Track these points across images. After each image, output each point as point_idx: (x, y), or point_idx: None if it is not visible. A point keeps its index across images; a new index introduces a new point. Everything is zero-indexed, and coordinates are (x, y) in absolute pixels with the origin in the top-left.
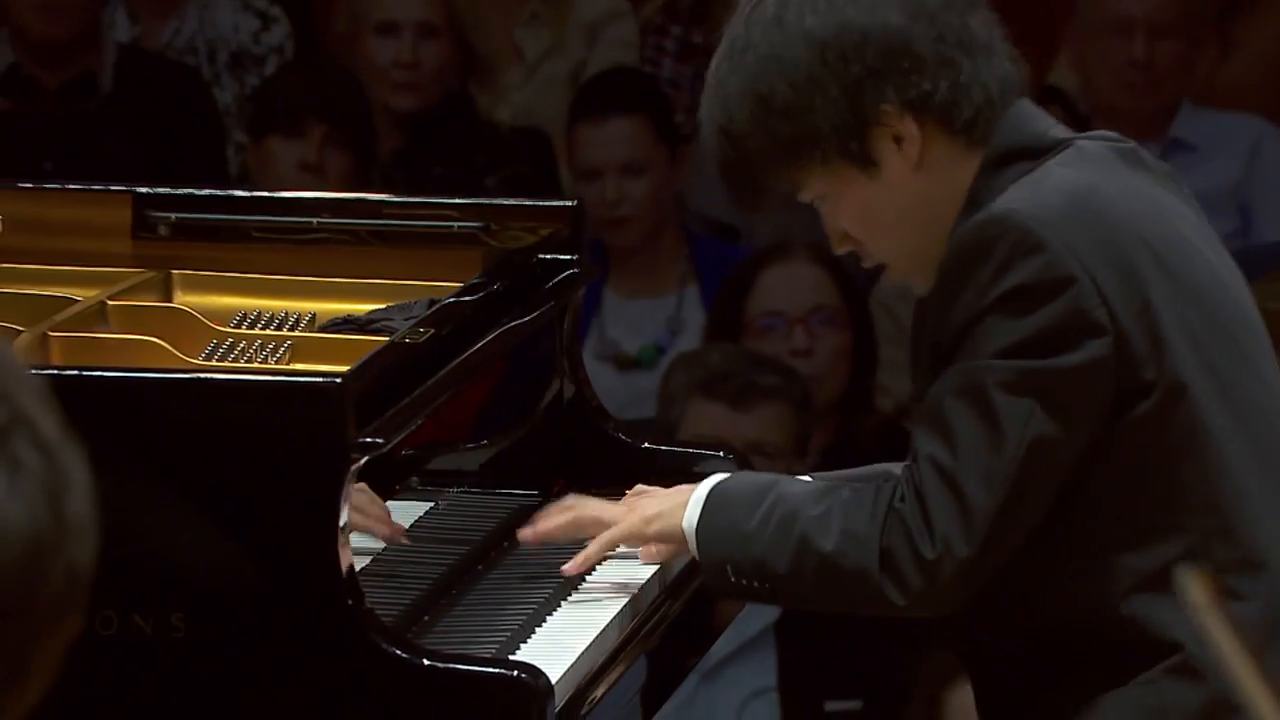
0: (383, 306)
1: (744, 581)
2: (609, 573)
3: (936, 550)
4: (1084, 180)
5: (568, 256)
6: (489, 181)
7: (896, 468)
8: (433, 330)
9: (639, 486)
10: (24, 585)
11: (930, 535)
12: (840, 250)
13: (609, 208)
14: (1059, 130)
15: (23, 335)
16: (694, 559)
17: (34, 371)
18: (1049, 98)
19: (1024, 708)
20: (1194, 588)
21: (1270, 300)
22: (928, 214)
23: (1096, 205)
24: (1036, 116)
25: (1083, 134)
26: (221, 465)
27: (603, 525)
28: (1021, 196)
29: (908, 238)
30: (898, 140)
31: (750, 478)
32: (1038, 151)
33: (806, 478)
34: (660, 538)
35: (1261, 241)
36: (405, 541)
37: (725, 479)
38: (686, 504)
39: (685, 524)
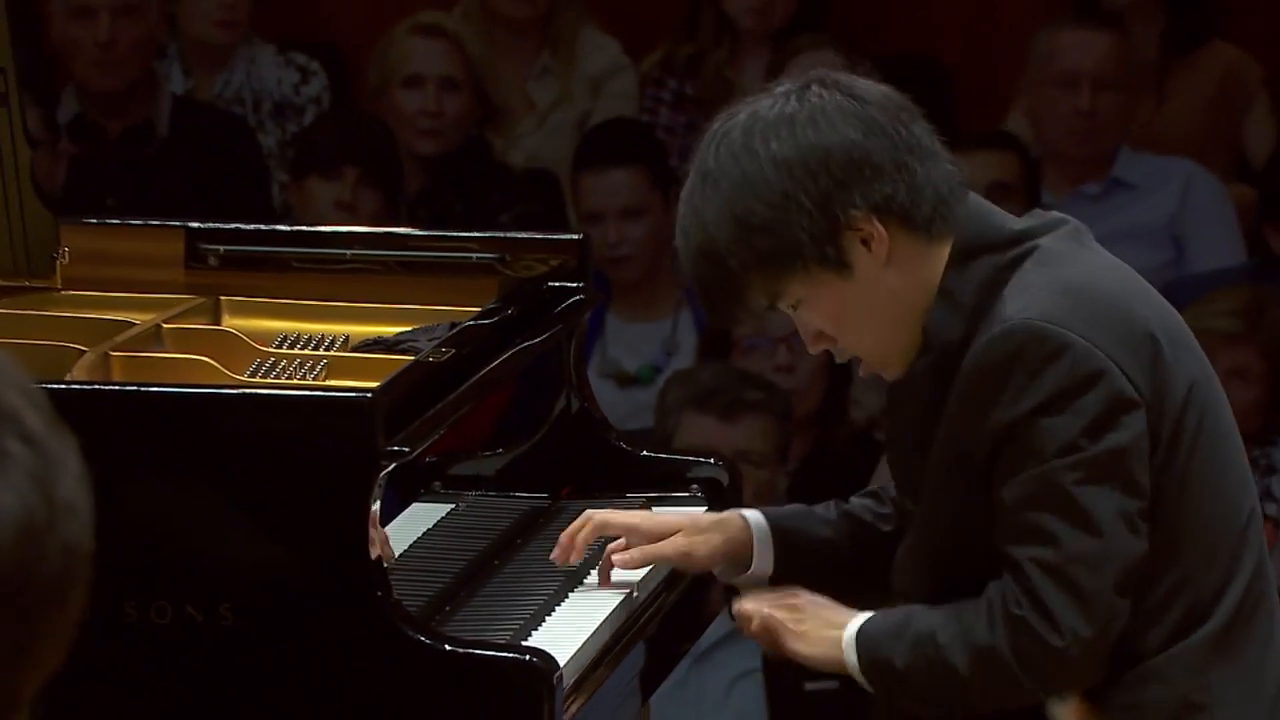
0: (409, 329)
1: (919, 712)
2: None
3: (1065, 639)
4: (1074, 277)
5: (574, 285)
6: (503, 217)
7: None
8: (453, 350)
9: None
10: (18, 566)
11: (1057, 629)
12: (815, 349)
13: (610, 248)
14: (1012, 221)
15: (87, 354)
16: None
17: (19, 372)
18: (1004, 143)
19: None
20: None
21: (1202, 320)
22: (898, 308)
23: (1094, 296)
24: (990, 211)
25: (1031, 221)
26: (264, 471)
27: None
28: (1026, 304)
29: (880, 331)
30: (866, 242)
31: (886, 617)
32: (999, 244)
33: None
34: (814, 664)
35: (1193, 269)
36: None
37: (865, 621)
38: (841, 645)
39: (850, 668)
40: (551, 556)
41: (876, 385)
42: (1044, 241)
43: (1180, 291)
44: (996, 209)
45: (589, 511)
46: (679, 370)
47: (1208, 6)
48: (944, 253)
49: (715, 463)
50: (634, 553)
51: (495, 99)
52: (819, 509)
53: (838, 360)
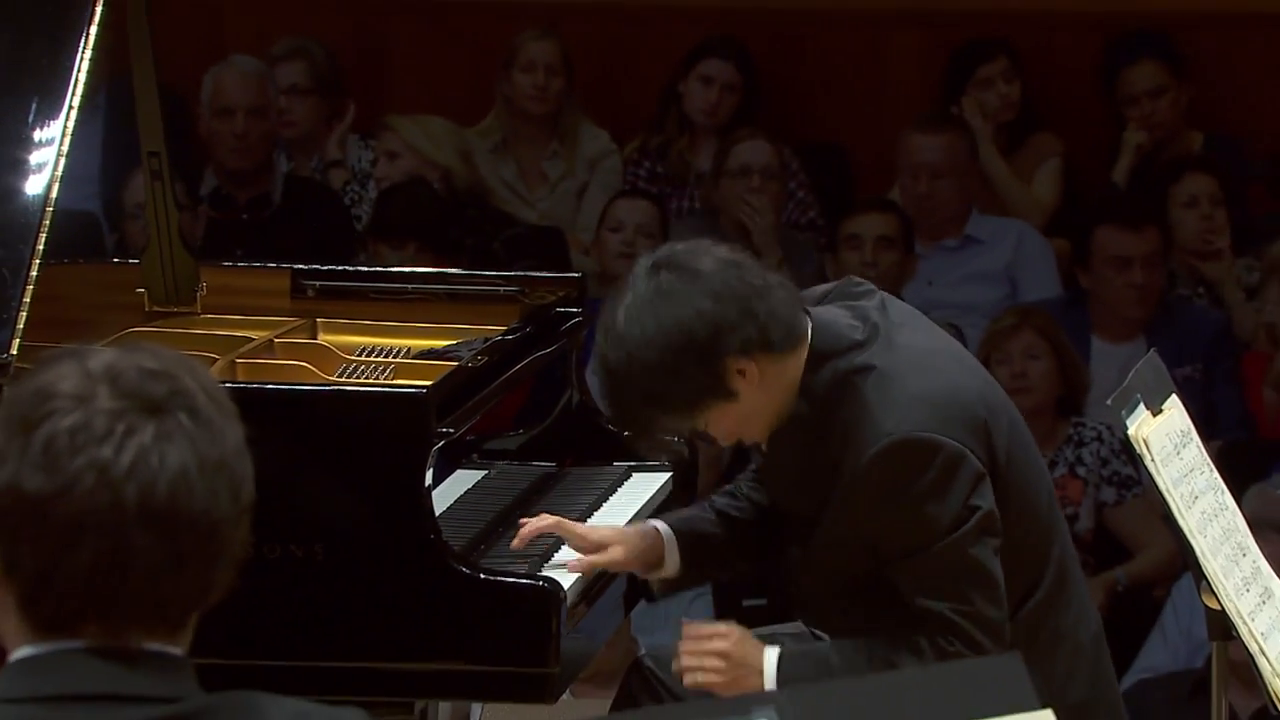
0: (454, 342)
1: None
2: (602, 518)
3: (986, 648)
4: (921, 386)
5: (575, 310)
6: (496, 242)
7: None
8: (486, 358)
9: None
10: (170, 502)
11: (982, 650)
12: (728, 443)
13: (625, 246)
14: (845, 329)
15: (219, 361)
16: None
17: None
18: (887, 207)
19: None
20: None
21: (983, 351)
22: (772, 408)
23: (941, 397)
24: (828, 323)
25: (838, 287)
26: (348, 446)
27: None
28: (898, 420)
29: (763, 424)
30: (742, 373)
31: (803, 656)
32: (839, 352)
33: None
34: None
35: (1024, 299)
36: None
37: (780, 659)
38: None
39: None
40: (513, 545)
41: None
42: (881, 341)
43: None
44: (838, 317)
45: (547, 517)
46: None
47: (1034, 109)
48: (801, 355)
49: (678, 441)
50: (579, 562)
51: (519, 170)
52: (701, 511)
53: (745, 445)
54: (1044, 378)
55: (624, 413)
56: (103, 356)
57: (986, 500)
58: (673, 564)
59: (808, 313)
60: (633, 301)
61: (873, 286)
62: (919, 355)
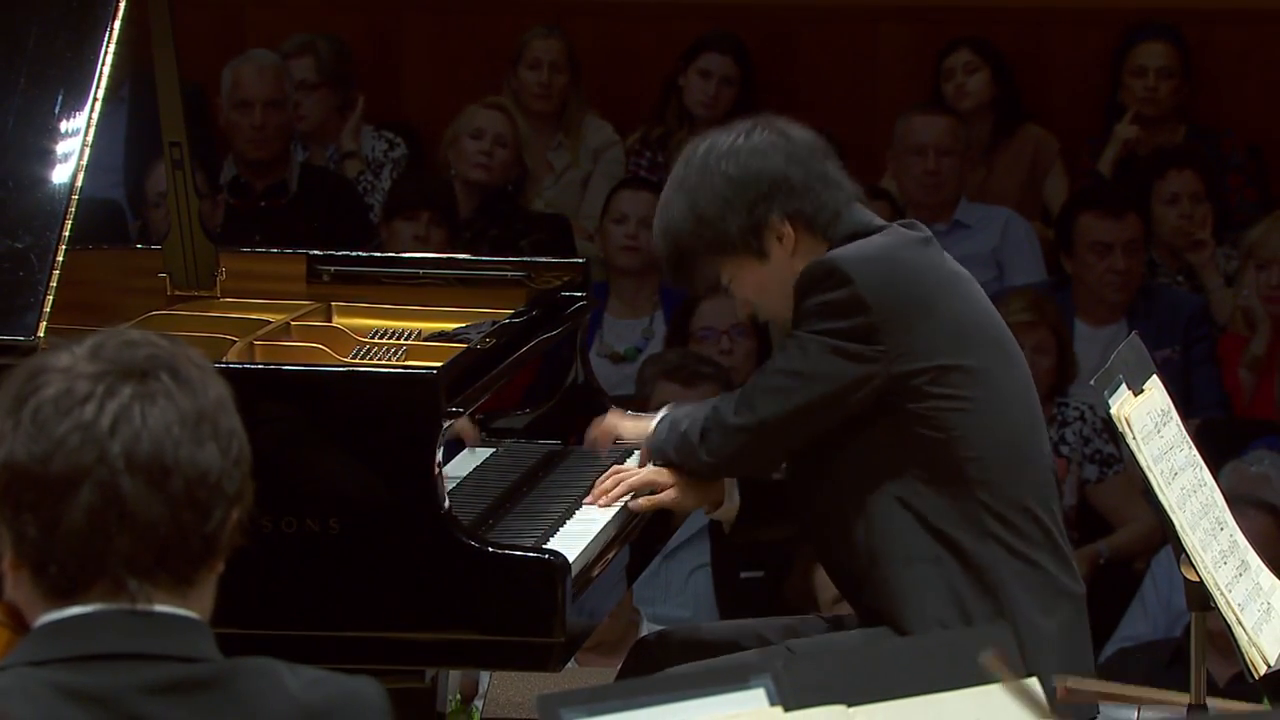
0: (463, 325)
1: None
2: None
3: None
4: (890, 243)
5: (579, 294)
6: (522, 243)
7: None
8: (494, 340)
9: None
10: (155, 455)
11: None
12: (743, 313)
13: (628, 239)
14: (879, 220)
15: (237, 343)
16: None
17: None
18: (879, 195)
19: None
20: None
21: (1011, 316)
22: (791, 286)
23: (888, 252)
24: (865, 213)
25: (899, 221)
26: (362, 424)
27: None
28: (847, 252)
29: (779, 301)
30: (780, 239)
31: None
32: (865, 232)
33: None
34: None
35: (1010, 284)
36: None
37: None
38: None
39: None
40: (587, 500)
41: None
42: (896, 227)
43: (1000, 299)
44: (871, 214)
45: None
46: (654, 353)
47: (1022, 101)
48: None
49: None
50: (644, 502)
51: (526, 164)
52: None
53: (760, 319)
54: (1045, 373)
55: (669, 226)
56: (92, 337)
57: (852, 335)
58: (733, 502)
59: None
60: (729, 138)
61: (930, 234)
62: (928, 252)
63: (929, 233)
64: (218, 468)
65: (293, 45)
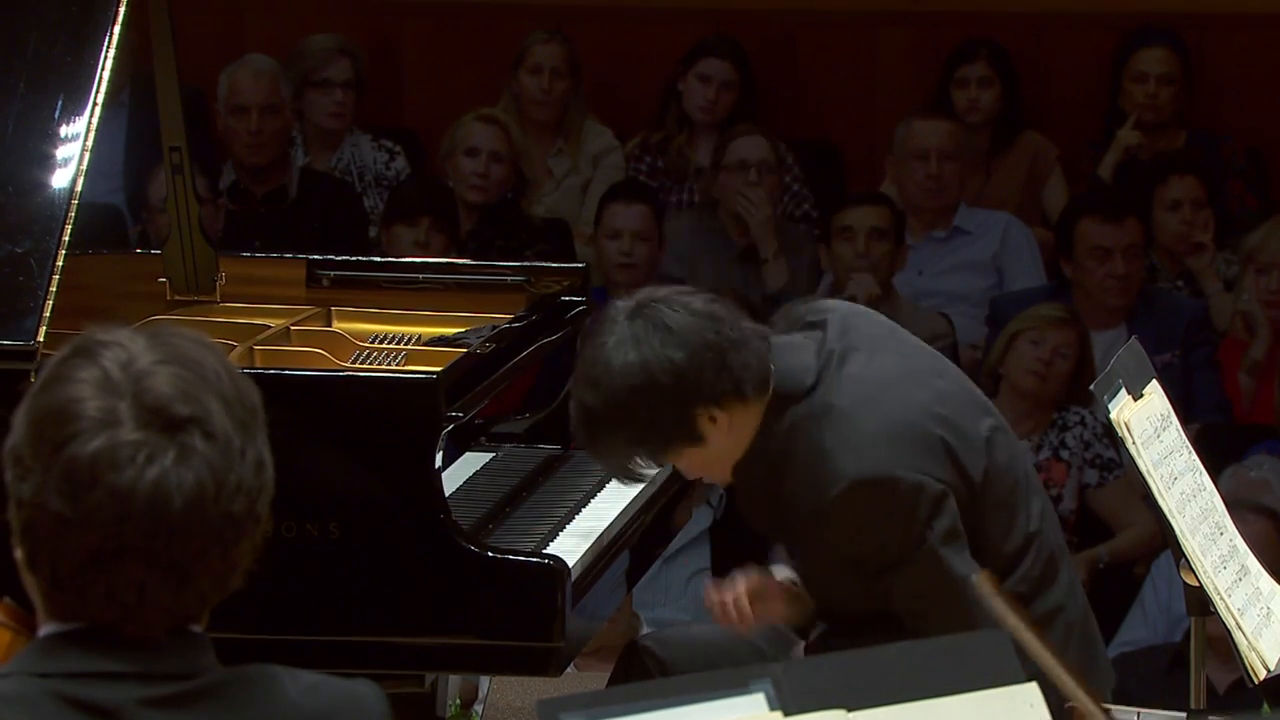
0: (463, 330)
1: None
2: (606, 498)
3: None
4: (874, 421)
5: (579, 299)
6: (528, 252)
7: None
8: (494, 344)
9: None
10: (184, 525)
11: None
12: (690, 478)
13: (624, 255)
14: (802, 370)
15: (237, 348)
16: None
17: (226, 372)
18: (879, 200)
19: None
20: (981, 583)
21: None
22: (739, 449)
23: (892, 427)
24: (789, 366)
25: (784, 310)
26: (361, 429)
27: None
28: (854, 458)
29: (728, 465)
30: (713, 420)
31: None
32: (798, 395)
33: None
34: None
35: (1010, 289)
36: None
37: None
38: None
39: None
40: (721, 623)
41: None
42: (833, 375)
43: (1001, 304)
44: (794, 358)
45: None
46: None
47: (1021, 109)
48: (766, 400)
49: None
50: (749, 620)
51: (525, 170)
52: None
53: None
54: (1060, 378)
55: (596, 448)
56: (121, 355)
57: (948, 516)
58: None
59: (771, 350)
60: (609, 344)
61: (836, 306)
62: (872, 389)
63: (835, 310)
64: (244, 512)
65: (326, 46)
